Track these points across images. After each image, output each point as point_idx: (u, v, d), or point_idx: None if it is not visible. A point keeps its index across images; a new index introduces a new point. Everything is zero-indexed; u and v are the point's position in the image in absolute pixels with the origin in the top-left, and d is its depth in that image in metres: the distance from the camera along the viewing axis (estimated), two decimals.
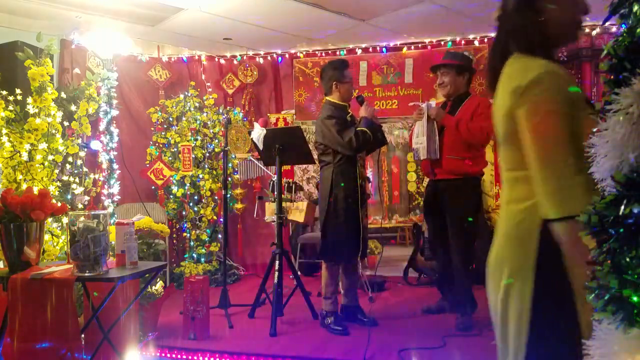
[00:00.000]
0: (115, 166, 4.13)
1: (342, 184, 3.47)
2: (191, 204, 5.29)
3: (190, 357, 3.12)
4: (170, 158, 5.32)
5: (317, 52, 5.72)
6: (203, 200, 5.32)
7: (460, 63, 3.64)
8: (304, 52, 5.75)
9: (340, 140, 3.40)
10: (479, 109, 3.54)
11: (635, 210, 0.91)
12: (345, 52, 5.64)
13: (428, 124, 3.57)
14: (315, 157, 3.73)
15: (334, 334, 3.41)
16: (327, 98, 3.61)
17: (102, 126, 4.06)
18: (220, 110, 5.54)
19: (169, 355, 3.14)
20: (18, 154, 3.14)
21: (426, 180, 4.26)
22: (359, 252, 3.55)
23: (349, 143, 3.38)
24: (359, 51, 5.61)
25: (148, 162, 5.29)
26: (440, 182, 3.64)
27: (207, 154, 5.39)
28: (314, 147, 3.68)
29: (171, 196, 5.30)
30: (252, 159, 4.65)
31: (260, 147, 3.73)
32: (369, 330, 3.34)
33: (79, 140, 3.87)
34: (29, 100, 3.21)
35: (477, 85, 5.28)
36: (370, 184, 4.40)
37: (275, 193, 3.77)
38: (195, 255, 5.23)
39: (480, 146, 3.58)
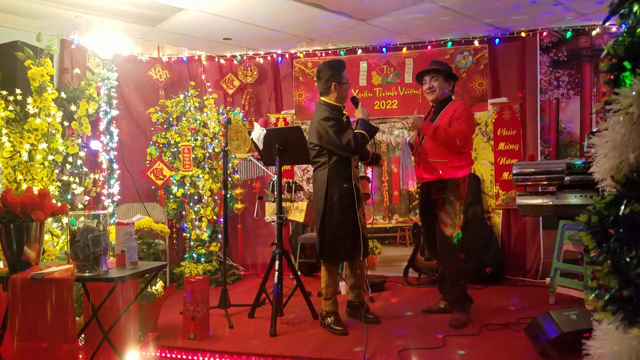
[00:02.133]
0: (115, 166, 4.13)
1: (338, 185, 3.47)
2: (191, 204, 5.29)
3: (190, 357, 3.11)
4: (170, 158, 5.32)
5: (317, 52, 5.72)
6: (203, 200, 5.32)
7: (448, 70, 3.75)
8: (304, 52, 5.75)
9: (338, 142, 3.39)
10: (456, 114, 3.60)
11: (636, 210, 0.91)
12: (345, 52, 5.64)
13: (403, 155, 3.72)
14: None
15: (334, 334, 3.41)
16: (323, 99, 3.58)
17: (102, 126, 4.06)
18: (220, 110, 5.54)
19: (169, 355, 3.13)
20: (18, 154, 3.14)
21: None
22: (359, 252, 3.56)
23: (348, 145, 3.38)
24: (359, 51, 5.61)
25: (148, 162, 5.29)
26: (426, 184, 3.73)
27: (207, 154, 5.39)
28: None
29: (171, 196, 5.30)
30: (252, 159, 4.64)
31: (260, 147, 3.72)
32: (366, 330, 3.34)
33: (79, 140, 3.87)
34: (29, 100, 3.21)
35: (476, 85, 5.29)
36: (370, 184, 4.41)
37: (275, 193, 3.77)
38: (195, 255, 5.23)
39: (460, 149, 3.59)
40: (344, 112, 3.60)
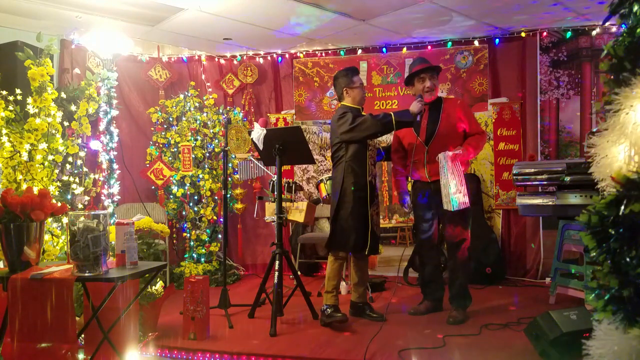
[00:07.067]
0: (115, 166, 4.13)
1: (352, 179, 3.61)
2: (191, 204, 5.29)
3: (190, 357, 3.11)
4: (170, 158, 5.32)
5: (317, 52, 5.72)
6: (203, 200, 5.31)
7: (438, 65, 3.85)
8: (304, 52, 5.75)
9: (351, 124, 3.52)
10: (461, 115, 3.70)
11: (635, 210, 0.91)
12: (345, 52, 5.64)
13: (460, 173, 3.56)
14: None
15: (334, 325, 3.48)
16: (341, 103, 3.79)
17: (102, 126, 4.05)
18: (220, 110, 5.54)
19: (169, 355, 3.13)
20: (18, 154, 3.14)
21: None
22: (365, 247, 3.61)
23: (359, 125, 3.51)
24: (359, 51, 5.61)
25: (148, 162, 5.29)
26: (435, 183, 3.66)
27: (207, 154, 5.39)
28: (329, 147, 3.83)
29: (171, 196, 5.30)
30: (252, 159, 4.64)
31: (260, 147, 3.74)
32: (380, 326, 3.35)
33: (79, 140, 3.87)
34: (29, 100, 3.21)
35: (476, 85, 5.29)
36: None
37: (275, 193, 3.78)
38: (195, 255, 5.23)
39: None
40: (362, 113, 3.75)
